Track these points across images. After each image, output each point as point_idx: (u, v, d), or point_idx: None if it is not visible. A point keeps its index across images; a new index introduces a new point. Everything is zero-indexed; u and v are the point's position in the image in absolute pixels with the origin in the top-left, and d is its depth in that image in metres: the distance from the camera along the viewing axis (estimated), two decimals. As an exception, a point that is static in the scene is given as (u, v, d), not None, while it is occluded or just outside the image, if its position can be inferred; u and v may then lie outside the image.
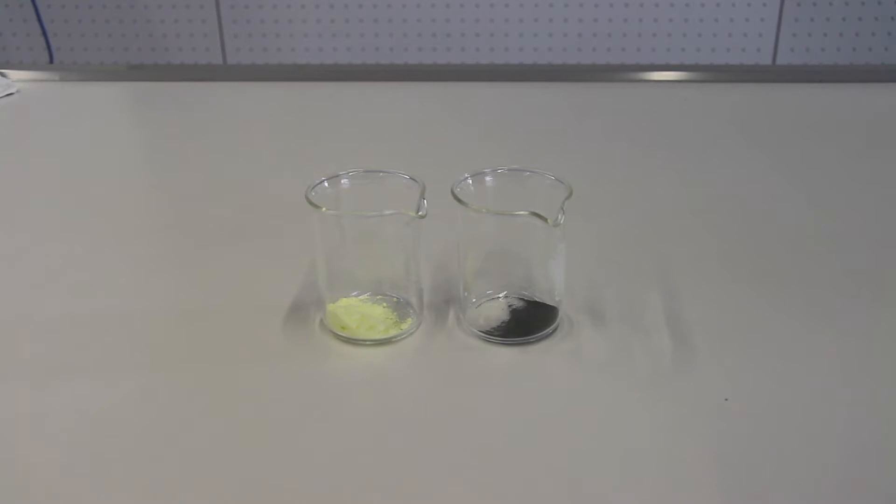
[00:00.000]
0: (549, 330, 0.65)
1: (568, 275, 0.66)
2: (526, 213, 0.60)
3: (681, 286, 0.71)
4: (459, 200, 0.62)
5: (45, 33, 1.98)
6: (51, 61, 1.99)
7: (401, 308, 0.67)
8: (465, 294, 0.66)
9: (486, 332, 0.64)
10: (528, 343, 0.64)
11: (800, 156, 0.99)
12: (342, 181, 0.67)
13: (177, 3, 1.96)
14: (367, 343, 0.64)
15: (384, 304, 0.67)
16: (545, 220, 0.60)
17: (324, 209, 0.62)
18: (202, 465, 0.53)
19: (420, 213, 0.62)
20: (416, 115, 1.15)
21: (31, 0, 1.95)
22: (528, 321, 0.65)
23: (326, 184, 0.66)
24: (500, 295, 0.68)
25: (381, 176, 0.68)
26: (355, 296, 0.67)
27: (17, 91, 1.22)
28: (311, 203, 0.63)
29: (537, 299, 0.67)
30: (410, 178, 0.66)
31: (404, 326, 0.65)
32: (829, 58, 1.90)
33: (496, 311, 0.66)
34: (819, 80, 1.23)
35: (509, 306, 0.66)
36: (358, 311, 0.65)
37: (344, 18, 1.95)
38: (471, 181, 0.66)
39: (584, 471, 0.53)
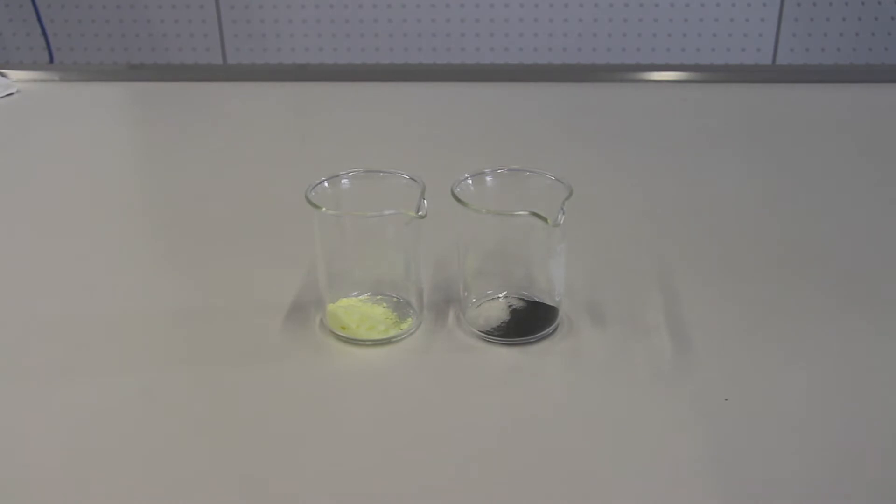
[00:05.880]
0: (549, 330, 0.65)
1: (568, 275, 0.66)
2: (526, 213, 0.60)
3: (681, 286, 0.71)
4: (459, 200, 0.62)
5: (45, 33, 1.98)
6: (51, 61, 1.99)
7: (401, 308, 0.67)
8: (465, 294, 0.66)
9: (486, 332, 0.64)
10: (528, 343, 0.64)
11: (800, 156, 0.99)
12: (342, 181, 0.67)
13: (177, 3, 1.96)
14: (367, 343, 0.64)
15: (384, 304, 0.67)
16: (545, 220, 0.60)
17: (324, 209, 0.62)
18: (202, 465, 0.53)
19: (420, 213, 0.62)
20: (416, 115, 1.15)
21: (31, 0, 1.95)
22: (528, 321, 0.65)
23: (326, 184, 0.66)
24: (500, 295, 0.68)
25: (381, 176, 0.68)
26: (355, 296, 0.67)
27: (17, 91, 1.22)
28: (311, 203, 0.63)
29: (537, 299, 0.67)
30: (410, 178, 0.66)
31: (404, 326, 0.65)
32: (829, 58, 1.90)
33: (496, 311, 0.66)
34: (819, 80, 1.23)
35: (509, 306, 0.66)
36: (358, 311, 0.65)
37: (344, 18, 1.95)
38: (471, 181, 0.66)
39: (583, 471, 0.53)
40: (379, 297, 0.68)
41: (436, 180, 0.66)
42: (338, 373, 0.62)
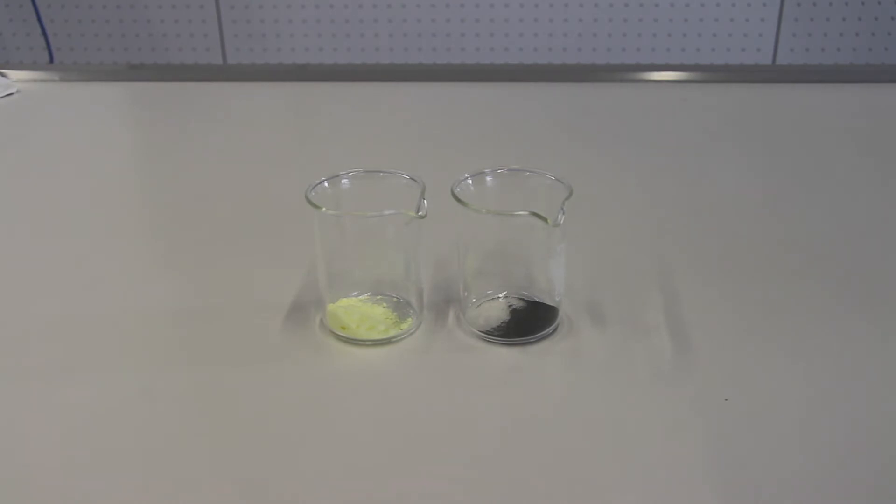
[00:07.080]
0: (549, 330, 0.65)
1: (568, 275, 0.66)
2: (526, 213, 0.60)
3: (681, 286, 0.71)
4: (459, 200, 0.62)
5: (45, 33, 1.98)
6: (51, 61, 1.99)
7: (401, 308, 0.67)
8: (465, 294, 0.66)
9: (486, 332, 0.64)
10: (528, 343, 0.64)
11: (800, 156, 0.99)
12: (342, 181, 0.67)
13: (177, 3, 1.96)
14: (367, 343, 0.64)
15: (384, 304, 0.67)
16: (545, 220, 0.60)
17: (324, 209, 0.62)
18: (202, 465, 0.53)
19: (420, 213, 0.62)
20: (416, 115, 1.15)
21: (31, 0, 1.94)
22: (528, 321, 0.65)
23: (326, 184, 0.66)
24: (500, 295, 0.68)
25: (381, 176, 0.68)
26: (355, 296, 0.67)
27: (17, 91, 1.22)
28: (311, 203, 0.63)
29: (537, 299, 0.67)
30: (410, 178, 0.66)
31: (404, 326, 0.65)
32: (829, 58, 1.90)
33: (496, 311, 0.66)
34: (819, 80, 1.23)
35: (509, 306, 0.66)
36: (358, 311, 0.65)
37: (344, 18, 1.95)
38: (471, 181, 0.66)
39: (583, 471, 0.53)
40: (379, 297, 0.68)
41: (436, 180, 0.66)
42: (338, 373, 0.62)
